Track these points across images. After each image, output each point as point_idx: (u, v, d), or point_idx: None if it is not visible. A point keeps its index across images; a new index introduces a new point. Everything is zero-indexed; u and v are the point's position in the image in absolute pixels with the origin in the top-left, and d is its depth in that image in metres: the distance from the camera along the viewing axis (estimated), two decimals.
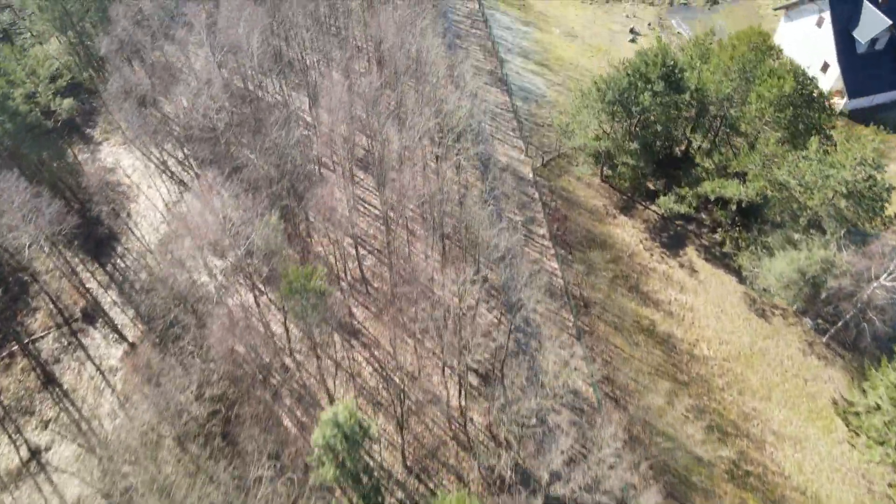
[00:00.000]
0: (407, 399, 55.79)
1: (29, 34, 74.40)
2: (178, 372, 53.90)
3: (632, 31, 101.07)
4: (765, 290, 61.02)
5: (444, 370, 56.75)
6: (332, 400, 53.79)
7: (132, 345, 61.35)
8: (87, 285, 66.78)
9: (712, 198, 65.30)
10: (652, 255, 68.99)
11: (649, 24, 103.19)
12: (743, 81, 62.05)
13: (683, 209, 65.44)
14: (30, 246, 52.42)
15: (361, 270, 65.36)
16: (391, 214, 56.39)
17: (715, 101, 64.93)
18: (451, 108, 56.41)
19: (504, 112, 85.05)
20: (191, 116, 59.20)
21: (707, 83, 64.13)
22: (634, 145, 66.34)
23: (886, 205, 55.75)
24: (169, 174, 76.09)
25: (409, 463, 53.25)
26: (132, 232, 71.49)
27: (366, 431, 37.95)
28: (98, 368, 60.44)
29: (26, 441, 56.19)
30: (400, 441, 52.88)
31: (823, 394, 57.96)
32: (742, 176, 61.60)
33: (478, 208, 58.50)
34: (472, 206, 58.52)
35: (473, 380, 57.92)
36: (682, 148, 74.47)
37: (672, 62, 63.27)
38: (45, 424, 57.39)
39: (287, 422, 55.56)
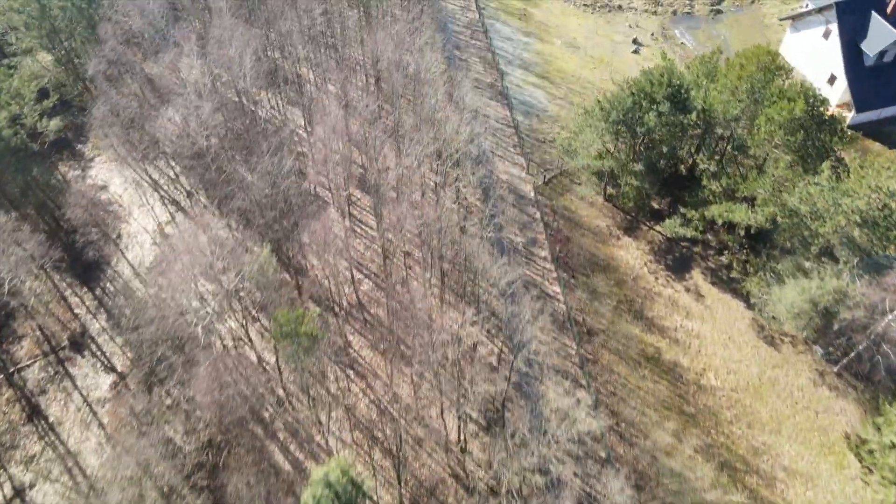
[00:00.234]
0: (405, 433, 54.00)
1: (16, 50, 72.24)
2: (164, 419, 51.91)
3: (634, 41, 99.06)
4: (774, 317, 59.04)
5: (442, 409, 54.77)
6: (325, 436, 51.83)
7: (121, 375, 59.41)
8: (75, 311, 64.90)
9: (719, 222, 63.31)
10: (657, 278, 67.03)
11: (652, 35, 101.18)
12: (751, 102, 60.04)
13: (689, 233, 63.47)
14: (10, 280, 50.42)
15: (358, 296, 63.41)
16: (389, 242, 54.38)
17: (722, 122, 62.96)
18: (450, 133, 54.32)
19: (504, 127, 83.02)
20: (179, 143, 57.20)
21: (714, 103, 62.12)
22: (639, 166, 64.40)
23: None
24: (161, 193, 74.09)
25: (406, 503, 51.36)
26: (123, 254, 69.52)
27: (359, 489, 36.04)
28: (85, 400, 58.49)
29: (10, 478, 54.25)
30: (397, 480, 50.98)
31: (835, 427, 56.04)
32: (751, 200, 59.57)
33: (478, 241, 56.28)
34: (473, 239, 56.31)
35: (473, 412, 55.99)
36: (688, 165, 72.53)
37: (678, 82, 61.26)
38: (31, 459, 55.43)
39: (280, 458, 53.61)
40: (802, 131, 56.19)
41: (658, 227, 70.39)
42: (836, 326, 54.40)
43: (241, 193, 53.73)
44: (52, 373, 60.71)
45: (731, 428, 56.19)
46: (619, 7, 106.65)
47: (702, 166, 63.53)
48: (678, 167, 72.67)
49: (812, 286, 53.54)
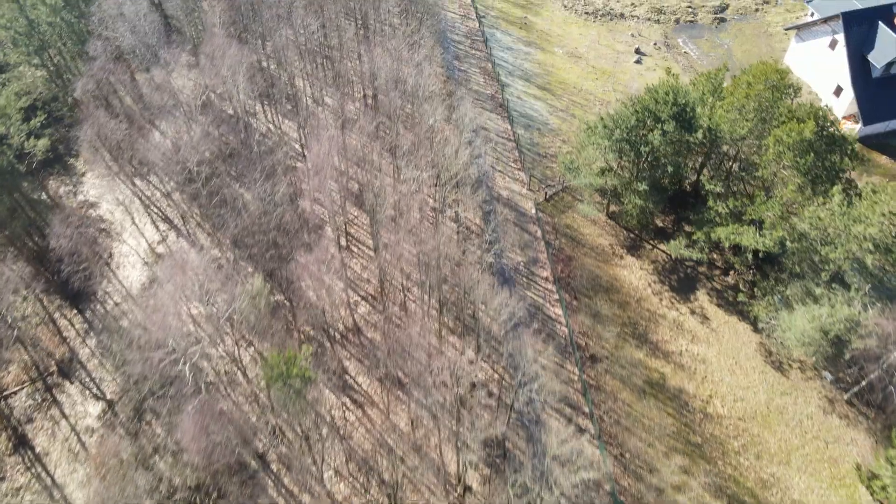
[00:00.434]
0: (402, 465, 52.37)
1: (3, 66, 70.40)
2: (151, 460, 50.07)
3: (637, 51, 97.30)
4: (782, 343, 57.35)
5: (440, 444, 53.04)
6: (320, 470, 50.12)
7: (109, 402, 57.66)
8: (63, 334, 63.15)
9: (726, 245, 61.57)
10: (661, 300, 65.33)
11: (655, 44, 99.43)
12: (759, 122, 58.33)
13: (695, 255, 61.73)
14: None
15: (354, 319, 61.68)
16: (386, 274, 52.56)
17: (729, 141, 61.26)
18: (449, 156, 52.53)
19: (505, 141, 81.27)
20: (170, 168, 55.51)
21: (720, 122, 60.39)
22: (643, 185, 62.66)
23: None
24: (154, 210, 72.29)
25: None
26: (114, 274, 67.79)
27: None
28: (73, 429, 56.76)
29: None
30: None
31: (846, 458, 54.39)
32: (758, 223, 57.82)
33: (478, 269, 54.43)
34: (472, 266, 54.43)
35: (472, 443, 54.25)
36: (692, 181, 70.84)
37: (683, 101, 59.51)
38: (17, 492, 53.72)
39: (273, 492, 51.87)
40: (812, 153, 54.42)
41: (662, 246, 68.75)
42: (847, 356, 52.70)
43: (235, 218, 51.91)
44: (40, 400, 59.00)
45: (739, 459, 54.51)
46: (622, 15, 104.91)
47: (708, 187, 61.64)
48: (682, 183, 71.02)
49: (822, 313, 51.89)
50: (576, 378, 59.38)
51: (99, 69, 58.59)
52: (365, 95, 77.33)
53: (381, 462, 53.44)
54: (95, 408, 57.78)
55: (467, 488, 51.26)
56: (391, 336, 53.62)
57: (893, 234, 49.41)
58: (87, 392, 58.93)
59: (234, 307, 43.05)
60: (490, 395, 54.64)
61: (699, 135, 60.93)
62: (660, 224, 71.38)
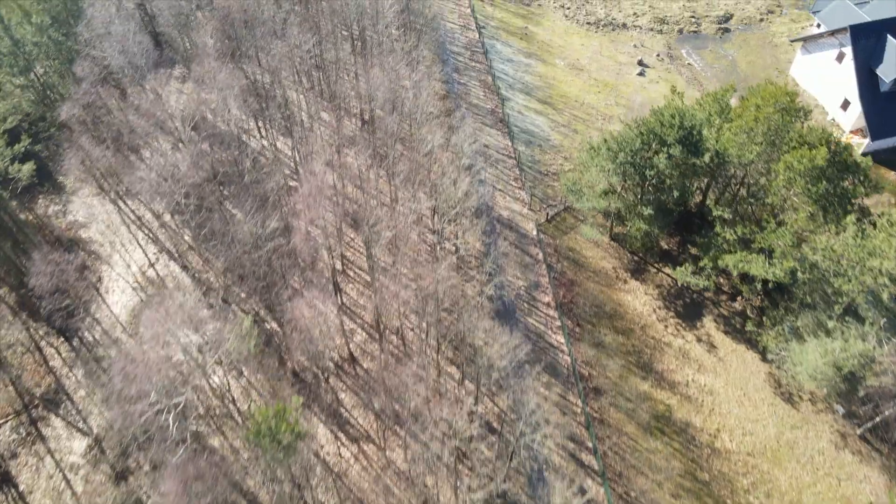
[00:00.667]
0: None
1: None
2: None
3: (640, 62, 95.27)
4: (793, 376, 55.40)
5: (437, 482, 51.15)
6: None
7: (96, 438, 55.67)
8: (50, 363, 61.19)
9: (734, 273, 59.55)
10: (666, 326, 63.38)
11: (658, 55, 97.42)
12: (768, 146, 56.33)
13: (702, 283, 59.68)
14: None
15: (349, 349, 59.70)
16: (383, 316, 50.50)
17: (737, 165, 59.26)
18: (447, 188, 50.49)
19: (505, 158, 79.30)
20: (160, 190, 53.55)
21: (728, 146, 58.37)
22: (648, 210, 60.68)
23: None
24: (145, 230, 70.29)
25: None
26: (103, 299, 65.79)
27: None
28: (58, 465, 54.79)
29: None
30: None
31: (859, 496, 52.44)
32: (768, 252, 55.79)
33: (477, 309, 52.31)
34: (472, 311, 52.22)
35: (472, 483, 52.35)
36: (698, 201, 68.88)
37: (689, 124, 57.50)
38: None
39: None
40: (825, 181, 52.44)
41: (667, 270, 66.78)
42: (861, 392, 50.77)
43: (226, 249, 49.96)
44: (24, 434, 56.99)
45: (749, 497, 52.56)
46: (624, 25, 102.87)
47: (716, 213, 59.62)
48: (688, 203, 69.03)
49: (835, 348, 49.93)
50: (579, 410, 57.43)
51: (84, 93, 56.50)
52: (362, 114, 75.29)
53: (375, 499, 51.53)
54: (81, 444, 55.78)
55: None
56: (389, 369, 51.62)
57: None
58: (73, 427, 56.92)
59: (222, 349, 41.03)
60: (491, 446, 52.64)
61: (706, 158, 58.93)
62: (665, 246, 69.44)
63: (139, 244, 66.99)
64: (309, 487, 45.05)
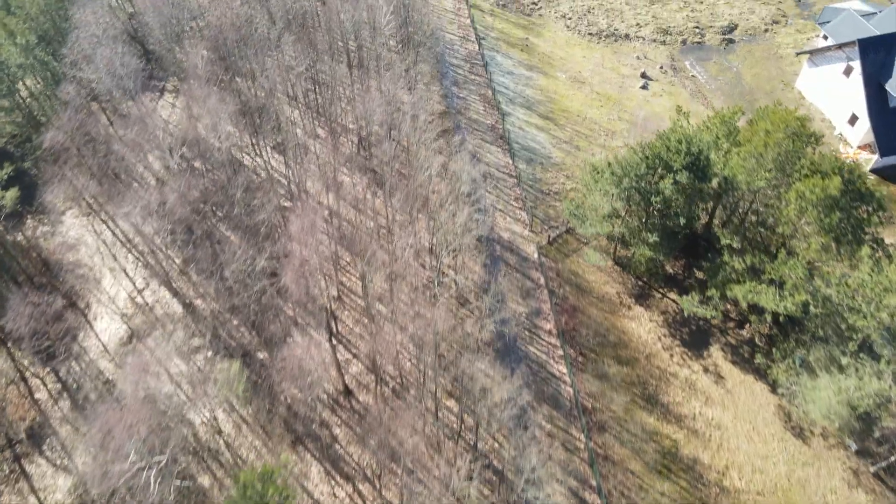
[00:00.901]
0: None
1: None
2: None
3: (643, 75, 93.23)
4: (804, 412, 53.45)
5: None
6: None
7: (82, 477, 53.65)
8: (35, 395, 59.22)
9: (743, 304, 57.53)
10: (672, 355, 61.40)
11: (661, 67, 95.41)
12: (779, 172, 54.31)
13: (709, 313, 57.66)
14: None
15: (344, 381, 57.70)
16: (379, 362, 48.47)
17: (746, 192, 57.26)
18: (446, 220, 48.57)
19: (506, 176, 77.25)
20: (149, 212, 51.59)
21: (737, 171, 56.35)
22: (654, 237, 58.69)
23: None
24: (135, 253, 68.25)
25: None
26: (91, 326, 63.83)
27: None
28: None
29: None
30: None
31: None
32: (779, 283, 53.75)
33: (478, 361, 49.90)
34: (472, 352, 50.19)
35: None
36: (704, 223, 66.81)
37: (696, 149, 55.48)
38: None
39: None
40: (839, 211, 50.43)
41: (672, 295, 64.84)
42: (877, 433, 48.82)
43: (217, 281, 48.01)
44: (7, 471, 55.02)
45: None
46: (626, 36, 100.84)
47: (724, 241, 57.58)
48: (693, 225, 66.96)
49: (849, 386, 47.99)
50: (582, 446, 55.47)
51: (68, 119, 54.44)
52: (360, 131, 73.27)
53: None
54: (66, 482, 53.81)
55: None
56: (386, 411, 49.67)
57: None
58: (58, 464, 54.94)
59: (210, 394, 39.12)
60: (493, 489, 50.72)
61: (714, 183, 56.96)
62: (670, 270, 67.45)
63: (126, 271, 65.00)
64: None
